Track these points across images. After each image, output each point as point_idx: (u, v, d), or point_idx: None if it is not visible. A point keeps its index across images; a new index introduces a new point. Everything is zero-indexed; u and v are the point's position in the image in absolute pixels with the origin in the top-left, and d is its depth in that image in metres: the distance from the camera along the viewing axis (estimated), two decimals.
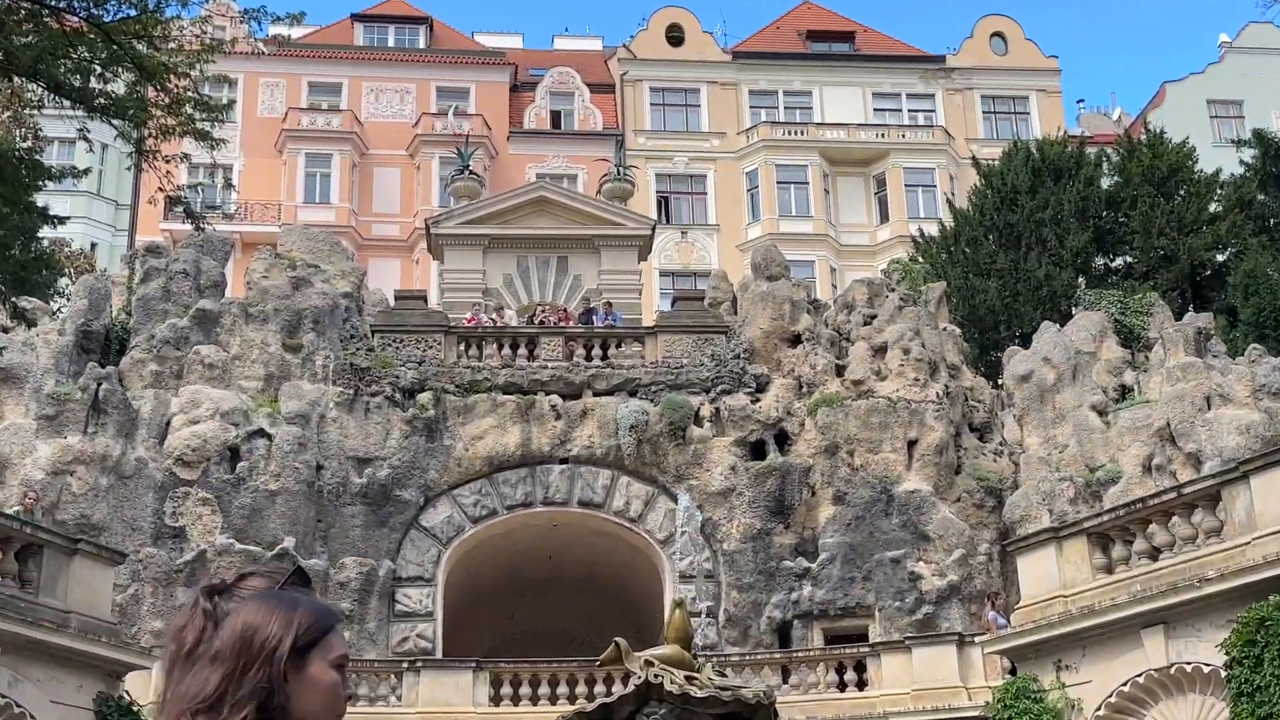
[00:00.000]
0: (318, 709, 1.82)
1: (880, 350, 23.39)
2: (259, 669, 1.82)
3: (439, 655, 21.31)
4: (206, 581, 1.95)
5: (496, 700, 19.89)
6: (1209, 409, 19.97)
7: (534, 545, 23.75)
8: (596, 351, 23.76)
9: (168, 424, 21.36)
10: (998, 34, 41.48)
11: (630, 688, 8.58)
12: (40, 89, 11.21)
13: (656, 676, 8.50)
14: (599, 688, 19.42)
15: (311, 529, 21.54)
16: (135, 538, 20.54)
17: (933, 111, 40.50)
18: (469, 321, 24.53)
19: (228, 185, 28.29)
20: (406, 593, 21.84)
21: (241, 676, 1.81)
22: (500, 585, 25.22)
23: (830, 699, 19.51)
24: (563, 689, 19.95)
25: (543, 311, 25.42)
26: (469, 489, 22.49)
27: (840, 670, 19.89)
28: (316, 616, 1.87)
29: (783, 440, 22.77)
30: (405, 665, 19.85)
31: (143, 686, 16.53)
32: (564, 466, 22.63)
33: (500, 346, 23.75)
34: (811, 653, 20.41)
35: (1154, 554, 14.55)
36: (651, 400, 22.83)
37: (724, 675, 9.57)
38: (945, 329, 24.73)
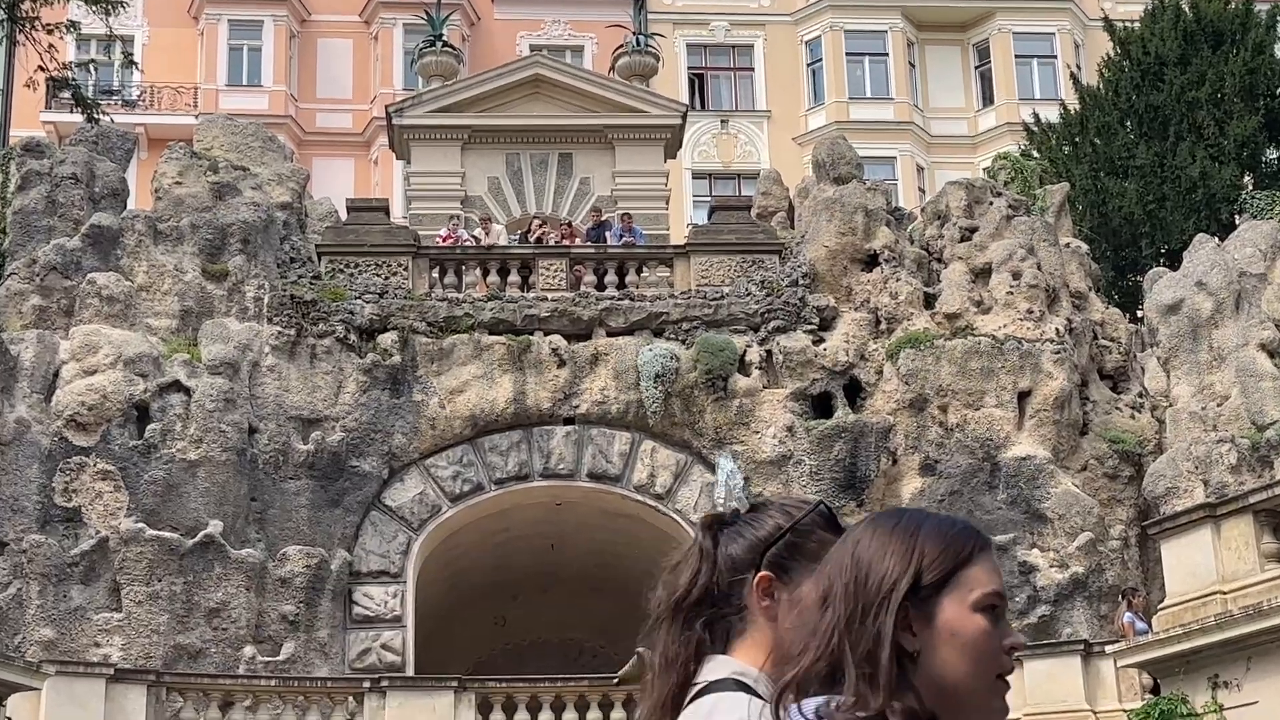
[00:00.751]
0: (963, 669, 1.67)
1: (983, 274, 23.62)
2: (866, 617, 1.66)
3: (410, 672, 21.66)
4: (707, 514, 1.88)
5: None
6: None
7: (531, 531, 24.11)
8: (611, 278, 24.04)
9: (56, 375, 21.60)
10: None
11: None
12: None
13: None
14: (617, 713, 19.96)
15: (243, 510, 21.89)
16: (16, 522, 20.86)
17: None
18: (444, 240, 24.72)
19: (128, 63, 28.05)
20: (368, 592, 22.20)
21: (836, 631, 1.66)
22: (489, 582, 25.69)
23: None
24: (570, 715, 20.31)
25: (540, 227, 25.47)
26: (446, 458, 22.83)
27: None
28: (946, 544, 1.72)
29: (854, 392, 23.15)
30: (367, 685, 20.20)
31: (30, 711, 16.97)
32: (569, 428, 23.02)
33: (486, 272, 24.01)
34: None
35: None
36: (683, 341, 23.17)
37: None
38: (1068, 245, 24.79)
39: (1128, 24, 32.02)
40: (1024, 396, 22.51)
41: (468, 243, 24.90)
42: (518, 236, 25.51)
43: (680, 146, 28.16)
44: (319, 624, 21.58)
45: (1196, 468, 21.02)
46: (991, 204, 24.23)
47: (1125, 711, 17.86)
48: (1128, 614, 20.26)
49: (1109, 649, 19.11)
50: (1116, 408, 23.30)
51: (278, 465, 22.12)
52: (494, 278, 23.91)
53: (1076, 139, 30.90)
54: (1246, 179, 28.59)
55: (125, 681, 19.09)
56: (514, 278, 23.96)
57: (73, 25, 13.60)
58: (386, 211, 25.29)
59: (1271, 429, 20.84)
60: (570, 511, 23.61)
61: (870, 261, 23.81)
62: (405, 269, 23.69)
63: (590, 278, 23.96)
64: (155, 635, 20.67)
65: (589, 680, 20.74)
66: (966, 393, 22.52)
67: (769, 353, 23.07)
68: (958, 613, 1.73)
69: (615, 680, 9.71)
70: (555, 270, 23.94)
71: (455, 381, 22.81)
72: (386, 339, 22.78)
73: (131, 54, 29.84)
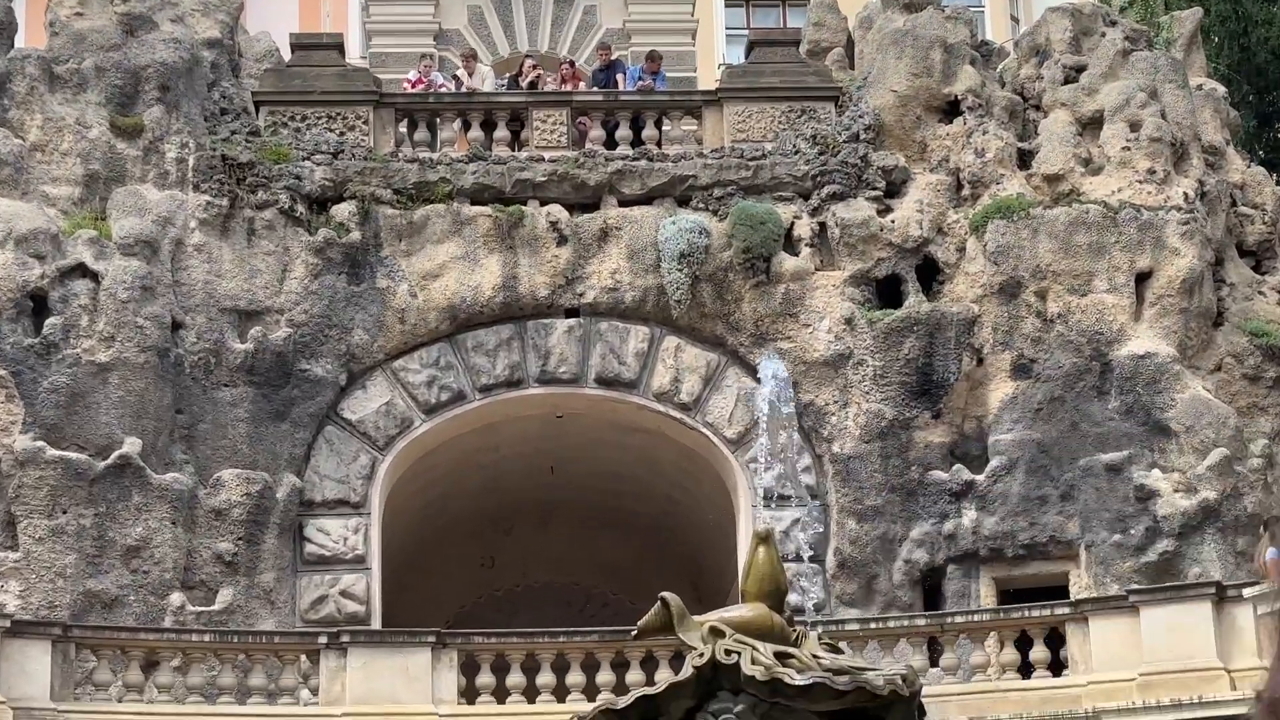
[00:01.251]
0: None
1: (1092, 125, 23.30)
2: None
3: (377, 625, 21.76)
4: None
5: (470, 695, 20.23)
6: None
7: (526, 450, 24.19)
8: (624, 133, 23.71)
9: None
10: None
11: (688, 671, 8.76)
12: None
13: (730, 654, 8.76)
14: (634, 674, 19.84)
15: (167, 425, 21.78)
16: None
17: None
18: (414, 85, 24.66)
19: None
20: (323, 526, 22.22)
21: None
22: (473, 515, 25.81)
23: (1008, 688, 19.93)
24: (575, 676, 20.27)
25: (535, 69, 25.15)
26: (419, 360, 22.73)
27: (1023, 644, 20.22)
28: None
29: (929, 275, 22.99)
30: (324, 641, 20.18)
31: None
32: (572, 322, 22.94)
33: (466, 126, 23.71)
34: (978, 617, 20.82)
35: None
36: (714, 212, 22.90)
37: (837, 651, 9.62)
38: (1200, 88, 24.54)
39: None
40: (1143, 279, 22.44)
41: (443, 89, 24.62)
42: (505, 81, 25.44)
43: None
44: (262, 566, 21.64)
45: None
46: (1104, 35, 23.92)
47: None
48: (1271, 550, 20.26)
49: (1247, 593, 19.24)
50: (1260, 292, 23.21)
51: (208, 369, 22.05)
52: (477, 133, 23.67)
53: None
54: None
55: (24, 636, 19.07)
56: (502, 133, 23.72)
57: None
58: (341, 50, 24.82)
59: None
60: (574, 425, 23.68)
61: (950, 110, 23.61)
62: (365, 122, 23.45)
63: (598, 133, 23.74)
64: (60, 580, 20.66)
65: (599, 634, 20.77)
66: (1071, 275, 22.39)
67: (822, 225, 22.86)
68: None
69: (633, 633, 9.71)
70: (554, 123, 23.69)
71: (429, 264, 22.71)
72: (342, 210, 22.59)
73: None
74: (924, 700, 9.35)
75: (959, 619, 20.78)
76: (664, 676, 9.47)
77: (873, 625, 20.72)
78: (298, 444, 22.29)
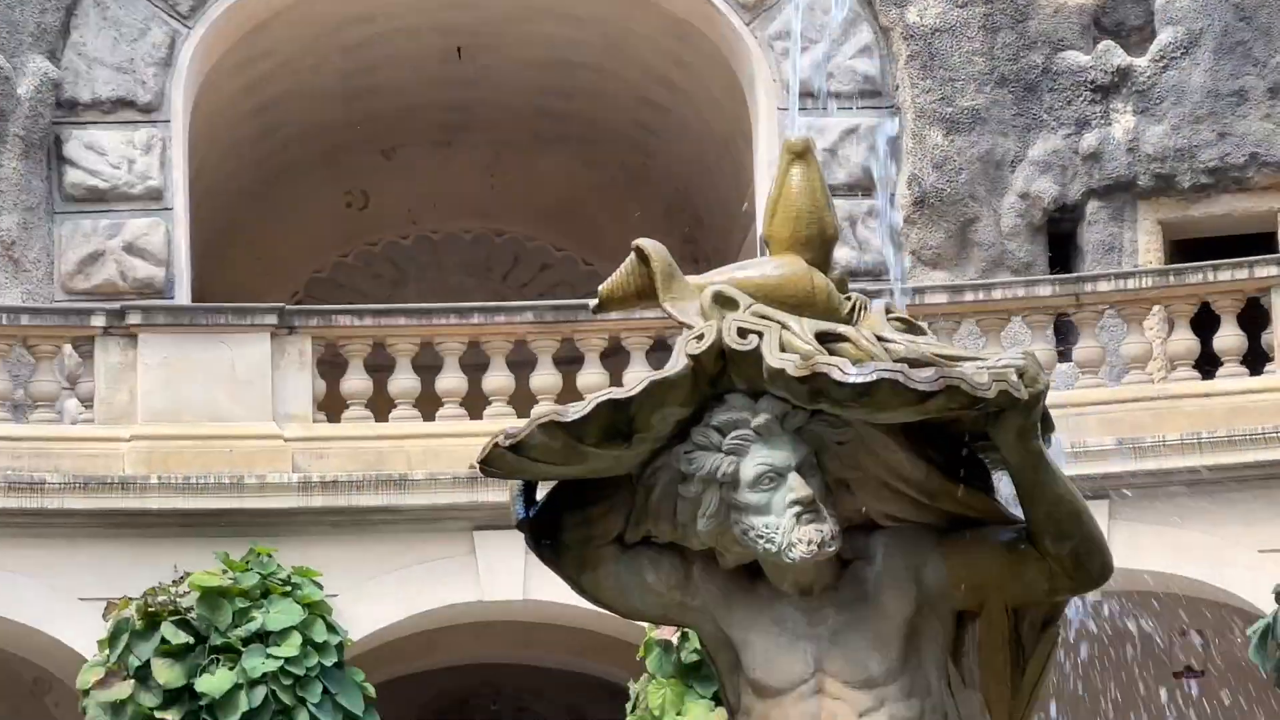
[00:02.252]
0: None
1: None
2: None
3: (183, 299, 22.36)
4: None
5: (332, 406, 20.79)
6: None
7: (418, 22, 24.39)
8: None
9: None
10: None
11: (679, 364, 8.29)
12: None
13: (745, 334, 8.31)
14: (591, 373, 20.39)
15: None
16: None
17: None
18: None
19: None
20: (94, 141, 22.48)
21: None
22: (335, 129, 26.11)
23: (1178, 393, 20.32)
24: (498, 376, 20.81)
25: None
26: None
27: (1205, 323, 20.66)
28: None
29: None
30: (101, 324, 20.40)
31: None
32: None
33: None
34: (1134, 283, 21.15)
35: None
36: None
37: (916, 332, 8.97)
38: None
39: None
40: None
41: None
42: None
43: None
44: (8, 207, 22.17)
45: None
46: None
47: None
48: None
49: None
50: None
51: None
52: None
53: None
54: None
55: None
56: None
57: None
58: None
59: None
60: None
61: None
62: None
63: None
64: None
65: (534, 310, 21.28)
66: None
67: None
68: None
69: (591, 305, 8.35)
70: None
71: None
72: None
73: None
74: (1050, 409, 8.23)
75: (1104, 286, 20.97)
76: (639, 375, 8.25)
77: (970, 296, 21.04)
78: (50, 11, 22.31)
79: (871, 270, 21.96)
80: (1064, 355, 20.40)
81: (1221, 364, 20.36)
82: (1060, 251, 22.58)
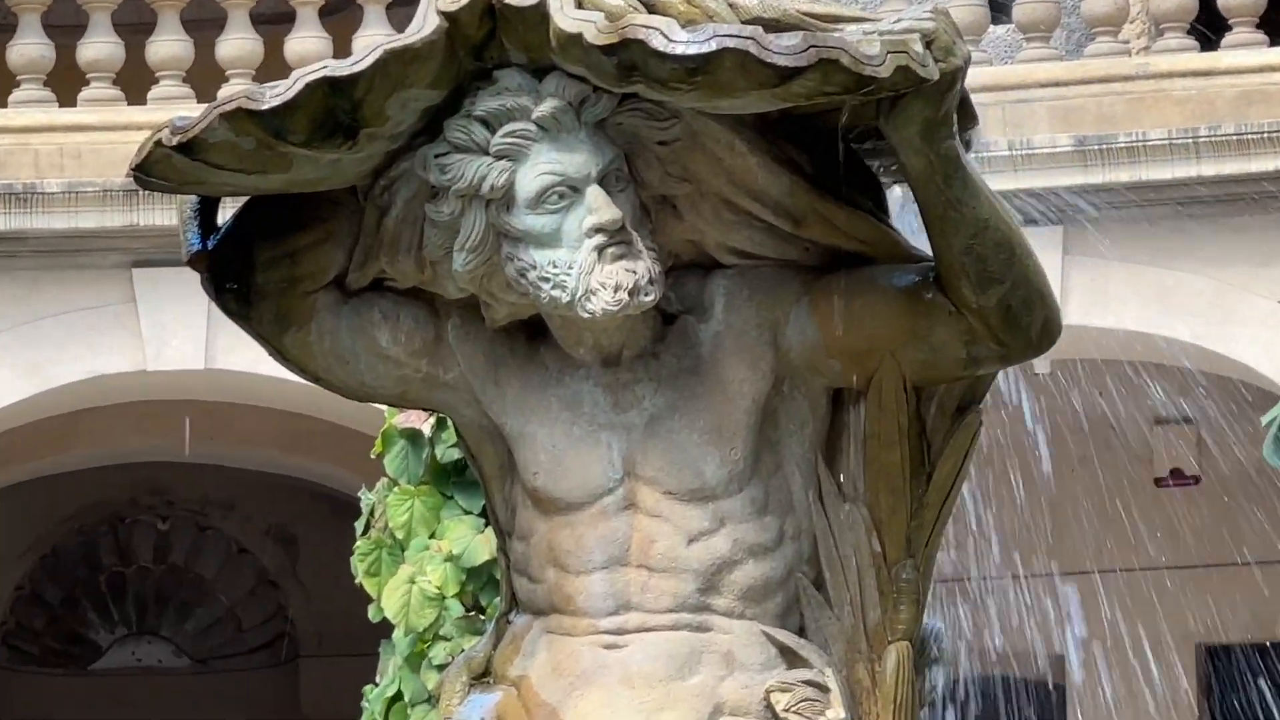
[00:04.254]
0: None
1: None
2: None
3: None
4: None
5: None
6: None
7: None
8: None
9: None
10: None
11: (428, 25, 8.01)
12: None
13: None
14: (307, 37, 21.63)
15: None
16: None
17: None
18: None
19: None
20: None
21: None
22: None
23: (1168, 70, 21.15)
24: (168, 42, 21.56)
25: None
26: None
27: None
28: None
29: None
30: None
31: None
32: None
33: None
34: None
35: None
36: None
37: None
38: None
39: None
40: None
41: None
42: None
43: None
44: None
45: None
46: None
47: None
48: None
49: None
50: None
51: None
52: None
53: None
54: None
55: None
56: None
57: None
58: None
59: None
60: None
61: None
62: None
63: None
64: None
65: None
66: None
67: None
68: None
69: None
70: None
71: None
72: None
73: None
74: (973, 93, 8.22)
75: None
76: (370, 41, 8.23)
77: None
78: None
79: None
80: (999, 12, 20.90)
81: (1229, 29, 21.11)
82: None
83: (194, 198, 7.21)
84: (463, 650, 12.09)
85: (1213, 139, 19.93)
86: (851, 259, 7.30)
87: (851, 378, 7.21)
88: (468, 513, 16.20)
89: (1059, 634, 19.69)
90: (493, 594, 15.72)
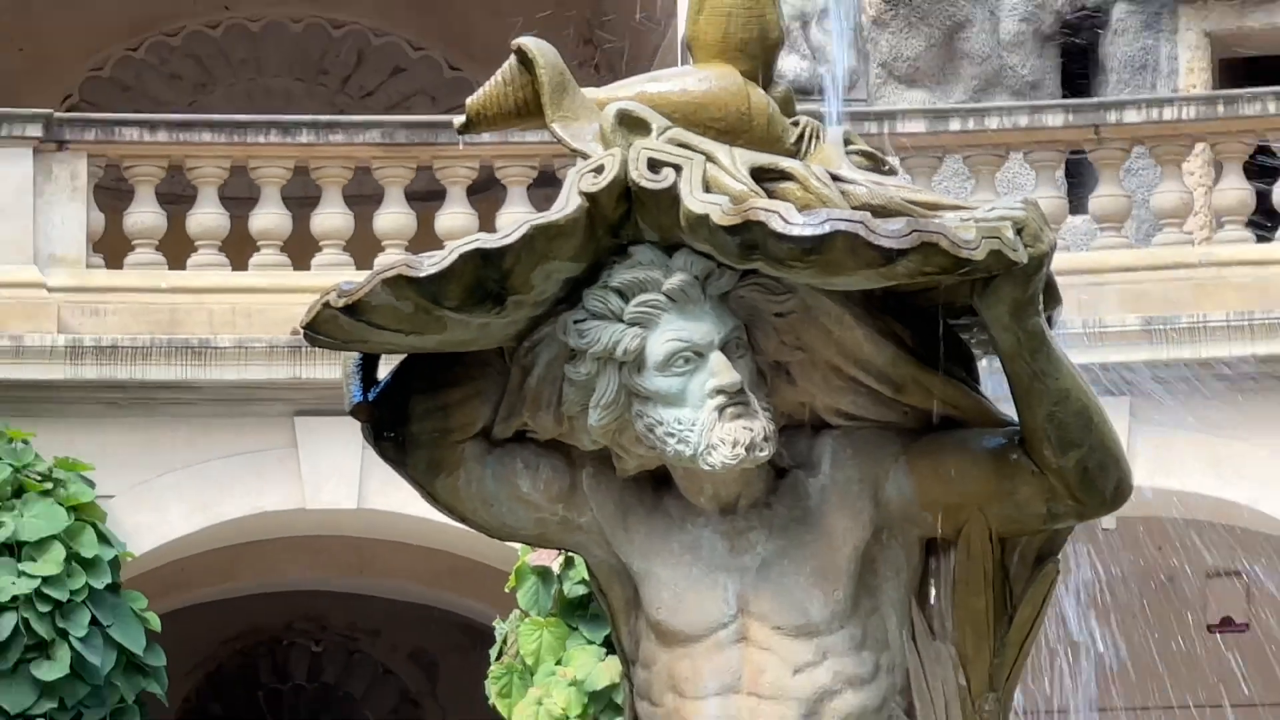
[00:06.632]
0: None
1: None
2: None
3: None
4: None
5: (113, 247, 21.05)
6: None
7: None
8: None
9: None
10: None
11: (568, 208, 8.03)
12: None
13: (658, 168, 8.07)
14: (455, 214, 20.86)
15: None
16: None
17: None
18: None
19: None
20: None
21: None
22: None
23: (1225, 259, 20.79)
24: (332, 215, 21.17)
25: None
26: None
27: (1260, 167, 20.99)
28: None
29: None
30: None
31: None
32: None
33: None
34: (1171, 111, 21.32)
35: None
36: None
37: (882, 170, 9.15)
38: None
39: None
40: None
41: None
42: None
43: None
44: None
45: None
46: None
47: None
48: None
49: None
50: None
51: None
52: None
53: None
54: None
55: None
56: None
57: None
58: None
59: None
60: None
61: None
62: None
63: None
64: None
65: (382, 129, 21.50)
66: None
67: None
68: None
69: (457, 124, 8.20)
70: None
71: None
72: None
73: None
74: (1056, 276, 8.16)
75: (1132, 115, 21.21)
76: (516, 217, 8.17)
77: (956, 124, 21.16)
78: None
79: (835, 80, 21.74)
80: (1077, 206, 20.69)
81: None
82: (1076, 69, 22.82)
83: (356, 355, 7.25)
84: None
85: (1266, 321, 19.64)
86: (946, 422, 7.29)
87: (944, 529, 7.18)
88: (590, 642, 16.47)
89: None
90: (612, 716, 15.93)
